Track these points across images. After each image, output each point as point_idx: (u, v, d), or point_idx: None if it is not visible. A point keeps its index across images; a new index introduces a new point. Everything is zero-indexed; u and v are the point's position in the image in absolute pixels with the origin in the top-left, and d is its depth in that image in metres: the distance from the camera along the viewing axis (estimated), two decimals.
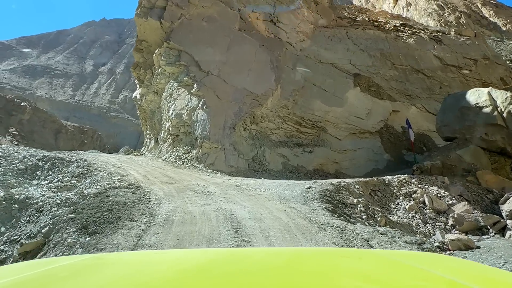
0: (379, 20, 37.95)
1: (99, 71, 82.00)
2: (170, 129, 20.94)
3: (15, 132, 58.50)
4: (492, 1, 60.08)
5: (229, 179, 14.43)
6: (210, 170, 17.60)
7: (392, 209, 12.24)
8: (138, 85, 28.15)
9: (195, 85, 20.96)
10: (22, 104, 63.27)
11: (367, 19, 36.84)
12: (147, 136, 27.53)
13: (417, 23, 41.96)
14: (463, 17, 56.08)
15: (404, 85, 29.43)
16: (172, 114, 20.88)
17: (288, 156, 21.49)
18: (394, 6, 68.14)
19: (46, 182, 12.02)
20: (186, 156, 19.12)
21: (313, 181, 12.76)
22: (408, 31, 35.44)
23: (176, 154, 19.59)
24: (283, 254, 1.71)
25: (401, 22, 39.39)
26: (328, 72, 27.32)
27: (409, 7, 67.08)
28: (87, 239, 6.69)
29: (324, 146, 23.46)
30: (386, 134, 26.53)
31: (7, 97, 63.19)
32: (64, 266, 1.36)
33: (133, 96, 29.40)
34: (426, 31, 36.03)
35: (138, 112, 29.73)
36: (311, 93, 25.39)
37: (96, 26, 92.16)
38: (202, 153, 18.64)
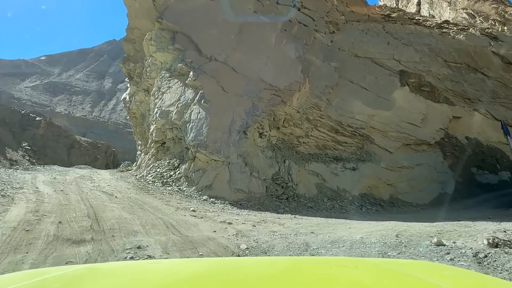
0: (416, 18, 30.24)
1: (117, 88, 75.99)
2: (154, 135, 13.35)
3: (27, 147, 52.50)
4: None
5: (229, 222, 6.56)
6: (204, 197, 9.82)
7: None
8: (128, 84, 20.86)
9: (191, 73, 13.45)
10: (37, 118, 57.72)
11: (404, 17, 29.14)
12: (138, 147, 20.00)
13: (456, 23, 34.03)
14: (497, 24, 47.64)
15: (462, 86, 21.34)
16: (157, 113, 13.32)
17: (324, 175, 13.53)
18: None
19: None
20: (171, 173, 11.41)
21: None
22: (454, 28, 27.51)
23: (158, 170, 11.90)
24: (280, 264, 1.55)
25: (443, 20, 31.66)
26: (368, 68, 19.55)
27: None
28: None
29: (370, 161, 15.42)
30: (449, 146, 18.34)
31: (23, 111, 57.81)
32: (57, 277, 1.21)
33: (122, 97, 22.12)
34: (475, 28, 28.05)
35: (128, 117, 22.40)
36: (348, 91, 17.59)
37: (116, 45, 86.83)
38: (195, 169, 10.91)
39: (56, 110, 71.02)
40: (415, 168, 16.26)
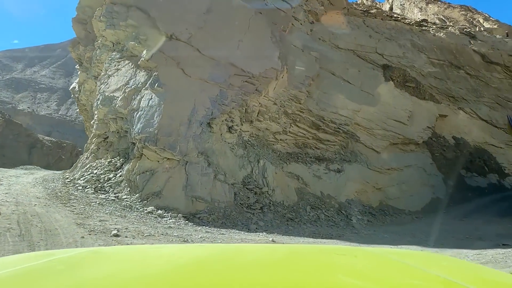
0: (394, 15, 28.64)
1: None
2: (95, 127, 10.31)
3: None
4: (491, 18, 52.06)
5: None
6: (149, 209, 6.97)
7: None
8: (78, 71, 17.54)
9: (144, 52, 10.52)
10: None
11: (383, 14, 27.42)
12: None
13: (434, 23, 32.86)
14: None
15: (446, 84, 19.55)
16: (99, 99, 10.29)
17: (305, 178, 10.98)
18: None
19: None
20: (110, 176, 8.44)
21: None
22: (434, 26, 26.10)
23: (95, 172, 8.89)
24: (280, 251, 1.51)
25: (422, 18, 30.33)
26: (350, 60, 17.31)
27: None
28: None
29: (357, 162, 13.05)
30: (437, 146, 16.34)
31: None
32: (61, 259, 1.16)
33: (71, 87, 18.73)
34: (454, 27, 26.78)
35: (78, 109, 19.04)
36: (330, 84, 15.24)
37: None
38: (140, 170, 8.02)
39: (19, 108, 65.05)
40: (404, 170, 14.06)
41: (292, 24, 16.58)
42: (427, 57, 20.19)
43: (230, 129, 10.64)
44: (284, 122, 12.66)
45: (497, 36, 25.99)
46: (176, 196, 7.51)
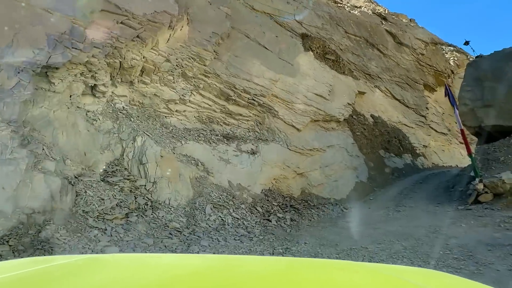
0: None
1: None
2: None
3: None
4: (390, 12, 55.46)
5: None
6: None
7: None
8: None
9: None
10: None
11: None
12: None
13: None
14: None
15: (362, 61, 18.15)
16: None
17: (208, 163, 7.70)
18: None
19: None
20: None
21: None
22: (348, 4, 24.99)
23: None
24: (279, 264, 1.48)
25: None
26: (267, 24, 14.39)
27: None
28: None
29: (275, 141, 10.26)
30: (358, 125, 14.61)
31: None
32: (60, 265, 1.14)
33: None
34: (367, 8, 26.09)
35: None
36: (244, 47, 12.12)
37: None
38: None
39: None
40: (327, 150, 11.81)
41: None
42: (345, 32, 18.52)
43: (92, 89, 6.71)
44: (182, 88, 9.09)
45: (404, 20, 26.02)
46: None
